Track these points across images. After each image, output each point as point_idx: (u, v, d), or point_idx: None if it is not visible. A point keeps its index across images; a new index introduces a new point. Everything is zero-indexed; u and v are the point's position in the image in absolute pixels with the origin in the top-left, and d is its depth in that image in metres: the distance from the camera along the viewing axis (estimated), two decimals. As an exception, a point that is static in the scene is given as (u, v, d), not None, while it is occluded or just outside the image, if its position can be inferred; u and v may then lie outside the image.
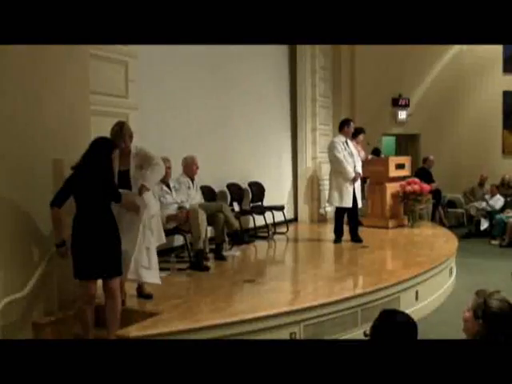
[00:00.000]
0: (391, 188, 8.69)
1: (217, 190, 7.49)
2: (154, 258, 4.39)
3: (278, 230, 8.19)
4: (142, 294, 4.63)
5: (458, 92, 12.02)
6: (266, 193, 8.43)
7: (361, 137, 8.37)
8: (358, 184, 7.25)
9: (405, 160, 9.13)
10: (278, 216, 8.24)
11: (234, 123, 8.10)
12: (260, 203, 8.29)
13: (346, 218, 7.51)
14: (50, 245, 4.05)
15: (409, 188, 8.55)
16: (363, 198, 8.12)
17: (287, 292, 4.91)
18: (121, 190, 3.92)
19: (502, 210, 10.17)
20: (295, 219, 9.84)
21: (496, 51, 11.72)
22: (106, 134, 4.17)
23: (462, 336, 2.39)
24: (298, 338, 4.19)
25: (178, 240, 6.52)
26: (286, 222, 8.46)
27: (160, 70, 6.52)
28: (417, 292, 5.44)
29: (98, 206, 3.73)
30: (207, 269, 5.69)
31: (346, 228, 7.47)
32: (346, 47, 10.77)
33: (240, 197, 7.97)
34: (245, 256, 6.73)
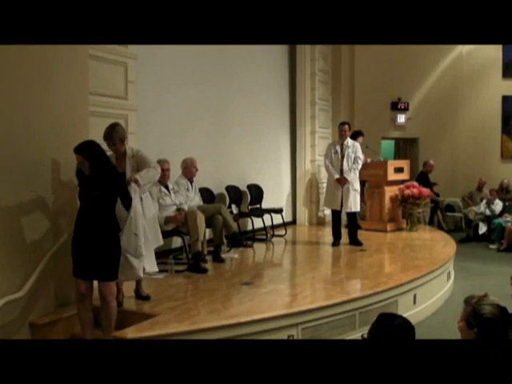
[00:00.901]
0: (390, 191, 8.71)
1: (215, 192, 7.49)
2: (153, 236, 4.39)
3: (276, 233, 8.18)
4: (140, 295, 4.63)
5: (457, 96, 12.04)
6: (264, 195, 8.42)
7: (360, 140, 8.37)
8: (349, 188, 7.20)
9: (404, 164, 9.14)
10: (277, 218, 8.24)
11: (233, 125, 8.11)
12: (258, 206, 8.28)
13: (345, 222, 7.54)
14: (47, 245, 4.04)
15: (407, 192, 8.56)
16: (362, 201, 8.12)
17: (285, 295, 4.90)
18: None
19: (501, 214, 10.18)
20: (294, 222, 9.84)
21: (495, 56, 11.75)
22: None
23: (460, 340, 2.38)
24: (295, 340, 4.18)
25: (176, 242, 6.52)
26: (285, 225, 8.47)
27: (159, 72, 6.52)
28: (415, 296, 5.44)
29: (103, 210, 3.73)
30: (205, 271, 5.68)
31: (344, 231, 7.49)
32: (346, 51, 10.80)
33: (239, 199, 7.97)
34: (243, 258, 6.72)
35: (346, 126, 7.38)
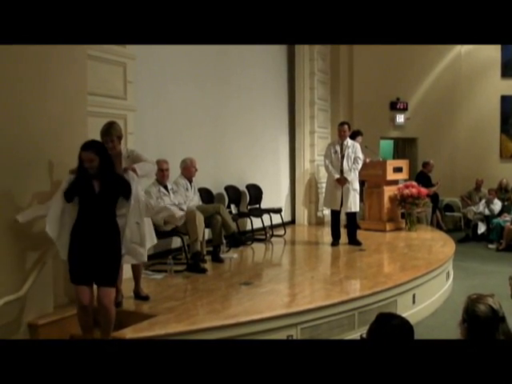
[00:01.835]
0: (389, 191, 8.71)
1: (215, 192, 7.49)
2: (148, 234, 4.30)
3: (275, 233, 8.18)
4: (139, 295, 4.62)
5: (455, 96, 12.05)
6: (263, 195, 8.42)
7: (359, 139, 8.37)
8: (349, 188, 7.21)
9: (402, 163, 9.15)
10: (276, 218, 8.24)
11: (232, 125, 8.10)
12: (258, 206, 8.28)
13: (345, 221, 7.54)
14: (46, 246, 4.03)
15: (406, 191, 8.56)
16: (361, 201, 8.12)
17: (284, 295, 4.90)
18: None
19: (500, 214, 10.18)
20: (293, 222, 9.84)
21: (494, 55, 11.76)
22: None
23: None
24: (294, 340, 4.18)
25: (176, 242, 6.51)
26: (284, 225, 8.46)
27: (158, 72, 6.52)
28: (414, 295, 5.44)
29: (106, 209, 3.66)
30: (204, 271, 5.68)
31: (343, 231, 7.49)
32: (345, 50, 10.80)
33: (238, 199, 7.97)
34: (242, 258, 6.72)
35: (346, 126, 7.38)
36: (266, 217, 7.97)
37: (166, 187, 5.97)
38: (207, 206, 6.43)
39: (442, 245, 7.48)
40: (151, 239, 4.59)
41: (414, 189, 8.61)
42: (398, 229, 8.74)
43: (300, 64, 9.67)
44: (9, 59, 3.77)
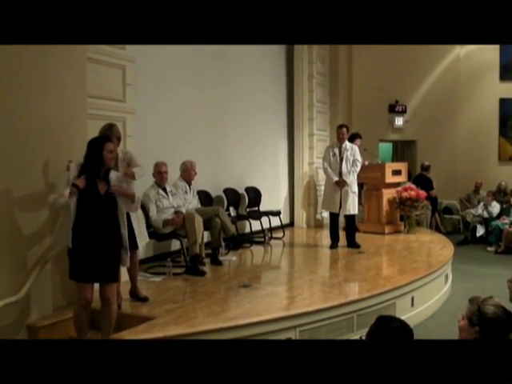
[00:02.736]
0: (387, 194, 8.72)
1: (213, 194, 7.49)
2: (140, 234, 4.53)
3: (274, 235, 8.18)
4: (138, 296, 4.62)
5: (454, 99, 12.06)
6: (262, 198, 8.43)
7: (357, 142, 8.37)
8: (348, 190, 7.22)
9: (401, 166, 9.16)
10: (275, 221, 8.24)
11: (231, 128, 8.11)
12: (256, 208, 8.28)
13: (343, 224, 7.54)
14: (45, 248, 4.03)
15: (405, 194, 8.57)
16: (360, 203, 8.13)
17: (283, 297, 4.90)
18: (115, 173, 3.81)
19: (498, 216, 10.19)
20: (291, 224, 9.84)
21: (493, 58, 11.79)
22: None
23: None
24: (293, 343, 4.17)
25: (175, 245, 6.51)
26: (283, 227, 8.47)
27: (157, 75, 6.53)
28: (413, 298, 5.44)
29: (107, 213, 3.65)
30: (203, 273, 5.68)
31: (342, 233, 7.49)
32: (344, 53, 10.82)
33: (236, 202, 7.97)
34: (241, 261, 6.72)
35: (344, 129, 7.39)
36: (264, 219, 7.97)
37: (164, 189, 5.97)
38: (206, 209, 6.43)
39: (440, 247, 7.48)
40: (144, 238, 4.67)
41: (413, 191, 8.62)
42: (397, 231, 8.75)
43: (299, 66, 9.68)
44: (8, 62, 3.77)
